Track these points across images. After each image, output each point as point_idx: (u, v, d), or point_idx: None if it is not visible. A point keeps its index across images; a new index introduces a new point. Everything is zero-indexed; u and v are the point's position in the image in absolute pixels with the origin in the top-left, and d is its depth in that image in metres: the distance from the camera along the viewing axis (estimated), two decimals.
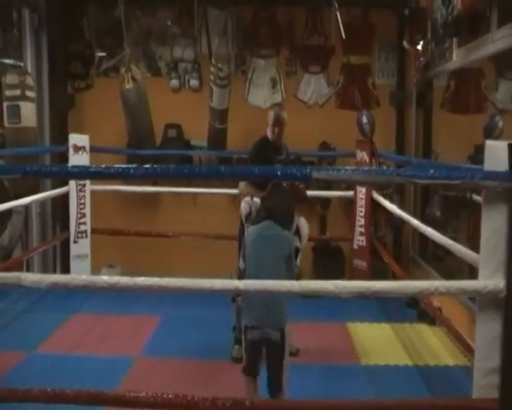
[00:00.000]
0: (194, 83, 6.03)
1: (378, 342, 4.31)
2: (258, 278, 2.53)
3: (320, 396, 2.98)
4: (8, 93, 4.88)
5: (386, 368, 3.82)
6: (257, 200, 2.81)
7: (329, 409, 2.52)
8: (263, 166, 3.03)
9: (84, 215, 5.39)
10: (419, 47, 5.30)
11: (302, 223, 2.88)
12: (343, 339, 4.34)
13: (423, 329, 4.51)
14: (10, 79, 4.89)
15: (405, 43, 5.38)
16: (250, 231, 2.73)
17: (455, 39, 4.49)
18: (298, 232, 2.81)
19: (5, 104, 4.92)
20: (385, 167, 5.52)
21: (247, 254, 2.69)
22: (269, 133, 3.90)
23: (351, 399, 2.95)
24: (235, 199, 5.92)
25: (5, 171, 2.82)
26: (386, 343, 4.28)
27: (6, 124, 4.98)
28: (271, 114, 3.94)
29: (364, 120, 5.39)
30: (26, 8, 5.56)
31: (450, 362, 3.88)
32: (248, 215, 2.84)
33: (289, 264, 2.68)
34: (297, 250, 2.75)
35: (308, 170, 2.27)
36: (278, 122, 3.87)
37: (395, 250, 5.86)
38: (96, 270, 5.40)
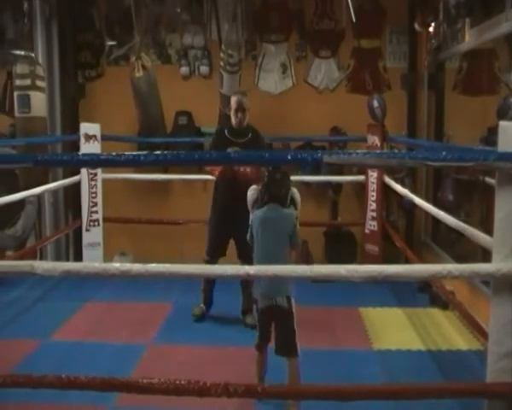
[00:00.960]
0: (204, 69, 6.00)
1: (390, 327, 4.30)
2: (266, 254, 2.87)
3: (332, 381, 2.97)
4: (18, 83, 4.91)
5: (398, 353, 3.80)
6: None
7: (342, 394, 2.52)
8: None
9: (95, 204, 5.42)
10: (430, 29, 5.23)
11: (294, 192, 3.04)
12: (355, 324, 4.34)
13: (436, 313, 4.50)
14: (21, 68, 4.90)
15: (417, 26, 5.30)
16: (257, 214, 2.99)
17: (467, 20, 4.41)
18: (292, 201, 3.03)
19: (15, 94, 4.94)
20: (396, 151, 5.47)
21: (255, 234, 2.98)
22: (232, 119, 4.03)
23: (363, 383, 2.94)
24: None
25: (17, 160, 2.84)
26: (399, 328, 4.27)
27: (16, 114, 5.00)
28: (233, 100, 4.04)
29: (375, 103, 5.34)
30: None
31: (464, 346, 3.86)
32: (255, 201, 3.03)
33: (294, 237, 2.96)
34: (296, 219, 3.00)
35: (319, 154, 2.25)
36: (241, 107, 3.98)
37: (407, 235, 5.83)
38: (108, 258, 5.44)
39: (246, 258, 3.63)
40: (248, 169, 3.83)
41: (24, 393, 2.79)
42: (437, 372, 3.49)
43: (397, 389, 2.60)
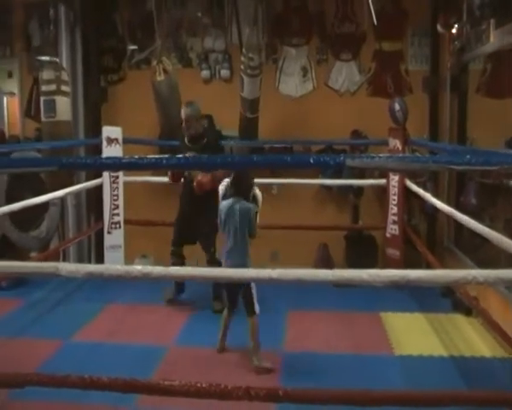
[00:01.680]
0: (225, 73, 6.03)
1: (412, 333, 4.26)
2: (232, 237, 3.62)
3: (353, 386, 2.96)
4: (44, 88, 5.01)
5: (420, 359, 3.76)
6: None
7: (362, 399, 2.50)
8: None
9: (117, 206, 5.47)
10: (454, 30, 5.17)
11: (256, 191, 3.71)
12: (376, 329, 4.31)
13: (459, 319, 4.44)
14: (47, 74, 5.01)
15: (439, 27, 5.25)
16: (224, 204, 3.68)
17: (492, 21, 4.35)
18: (254, 199, 3.69)
19: (42, 99, 5.04)
20: (419, 155, 5.42)
21: (222, 221, 3.67)
22: (185, 129, 4.54)
23: (385, 389, 2.92)
24: (266, 188, 5.94)
25: (42, 163, 2.87)
26: (421, 333, 4.22)
27: (42, 118, 5.10)
28: (181, 113, 4.51)
29: (397, 107, 5.30)
30: (62, 6, 5.67)
31: (487, 353, 3.80)
32: (224, 194, 3.73)
33: (252, 227, 3.64)
34: (256, 213, 3.68)
35: (342, 158, 2.24)
36: (188, 119, 4.44)
37: (429, 239, 5.76)
38: (129, 260, 5.49)
39: (205, 248, 4.51)
40: (205, 179, 4.25)
41: (48, 392, 2.82)
42: (460, 380, 3.43)
43: (419, 396, 2.57)
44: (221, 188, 3.79)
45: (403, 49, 5.98)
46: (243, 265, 3.53)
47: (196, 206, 4.46)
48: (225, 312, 3.84)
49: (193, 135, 4.50)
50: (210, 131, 4.59)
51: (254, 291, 3.62)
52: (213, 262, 4.40)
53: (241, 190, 3.66)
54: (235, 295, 3.71)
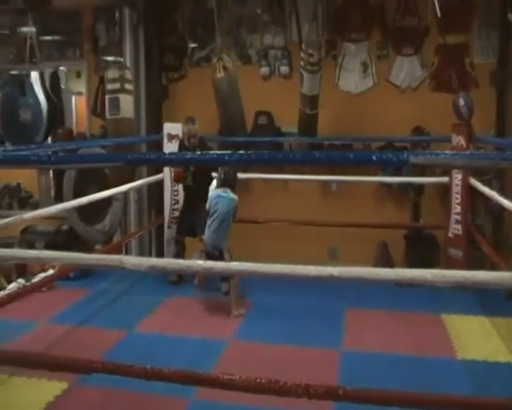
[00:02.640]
0: (284, 70, 6.03)
1: (476, 336, 4.11)
2: (216, 218, 4.49)
3: (413, 389, 2.89)
4: (109, 87, 5.19)
5: (485, 364, 3.63)
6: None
7: (423, 402, 2.45)
8: None
9: (177, 202, 5.58)
10: None
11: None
12: (438, 331, 4.19)
13: None
14: (111, 73, 5.21)
15: (510, 17, 5.02)
16: (213, 192, 4.55)
17: None
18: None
19: (107, 97, 5.23)
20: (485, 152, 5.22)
21: (211, 206, 4.52)
22: (186, 143, 5.08)
23: (446, 393, 2.84)
24: (325, 185, 5.91)
25: (108, 159, 2.98)
26: (485, 337, 4.07)
27: (107, 116, 5.28)
28: (185, 130, 5.10)
29: (461, 102, 5.13)
30: (126, 8, 5.86)
31: None
32: (216, 185, 4.58)
33: (235, 212, 4.54)
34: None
35: (405, 155, 2.19)
36: (191, 136, 5.03)
37: (495, 239, 5.54)
38: (187, 255, 5.58)
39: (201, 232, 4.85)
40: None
41: (112, 380, 2.92)
42: None
43: (484, 403, 2.48)
44: (214, 181, 4.65)
45: (468, 41, 5.76)
46: (217, 245, 4.47)
47: (194, 202, 5.09)
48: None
49: (193, 147, 5.02)
50: (201, 140, 5.12)
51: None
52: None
53: (229, 182, 4.50)
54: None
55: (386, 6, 5.87)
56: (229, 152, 2.29)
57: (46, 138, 5.61)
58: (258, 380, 2.47)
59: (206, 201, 4.66)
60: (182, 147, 5.17)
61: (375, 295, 4.59)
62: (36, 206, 6.48)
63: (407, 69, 5.91)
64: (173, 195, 5.57)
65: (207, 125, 6.02)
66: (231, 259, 4.58)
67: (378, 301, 4.63)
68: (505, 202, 4.20)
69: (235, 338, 4.10)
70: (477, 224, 5.53)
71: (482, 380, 3.41)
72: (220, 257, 4.41)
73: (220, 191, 4.52)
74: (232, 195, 4.52)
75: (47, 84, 5.68)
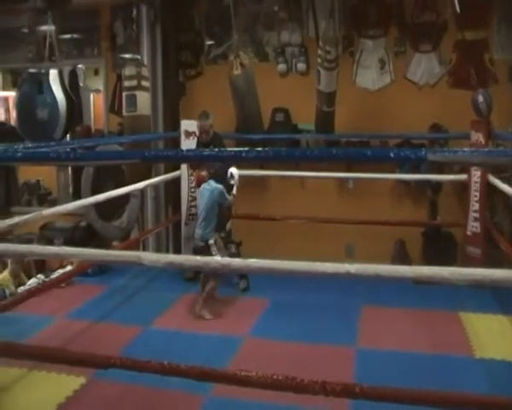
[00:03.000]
0: (301, 66, 6.01)
1: (494, 335, 4.07)
2: (205, 204, 4.57)
3: (431, 387, 2.87)
4: (126, 84, 5.24)
5: (504, 363, 3.59)
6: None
7: (441, 401, 2.42)
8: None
9: (194, 199, 5.57)
10: None
11: (232, 170, 4.68)
12: (456, 329, 4.16)
13: None
14: (129, 70, 5.26)
15: None
16: (205, 185, 4.65)
17: None
18: (232, 175, 4.68)
19: (124, 94, 5.27)
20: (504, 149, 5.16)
21: (199, 197, 4.75)
22: (200, 138, 5.08)
23: (464, 392, 2.81)
24: (342, 182, 5.89)
25: (126, 156, 3.00)
26: (504, 336, 4.03)
27: (124, 113, 5.32)
28: (198, 125, 5.05)
29: (480, 98, 5.07)
30: (143, 6, 5.89)
31: None
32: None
33: (218, 202, 4.57)
34: (231, 187, 4.70)
35: (423, 152, 2.17)
36: (204, 132, 4.96)
37: None
38: None
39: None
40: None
41: (128, 375, 2.93)
42: None
43: (501, 402, 2.45)
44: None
45: (488, 37, 5.69)
46: (204, 238, 4.50)
47: None
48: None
49: (206, 142, 4.96)
50: (215, 136, 5.03)
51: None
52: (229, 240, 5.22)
53: (214, 173, 4.60)
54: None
55: (404, 2, 5.83)
56: (246, 149, 2.30)
57: (65, 136, 5.67)
58: (275, 377, 2.47)
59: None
60: (199, 144, 5.18)
61: (391, 293, 4.57)
62: (55, 203, 6.57)
63: (425, 66, 5.86)
64: (190, 192, 5.58)
65: (224, 123, 6.03)
66: (220, 251, 4.56)
67: (395, 298, 4.61)
68: None
69: (252, 335, 4.11)
70: (495, 221, 5.46)
71: (500, 379, 3.38)
72: (207, 249, 4.43)
73: (204, 185, 4.62)
74: (214, 185, 4.54)
75: (66, 81, 5.73)
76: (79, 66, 6.90)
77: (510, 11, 5.53)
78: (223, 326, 4.25)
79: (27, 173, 6.94)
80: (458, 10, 5.12)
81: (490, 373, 3.46)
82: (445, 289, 4.15)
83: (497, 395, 2.94)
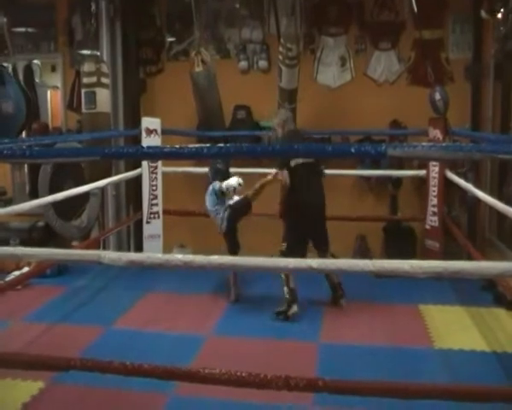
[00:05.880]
0: (262, 64, 6.02)
1: (452, 326, 4.17)
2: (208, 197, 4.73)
3: (391, 378, 2.93)
4: (85, 80, 5.11)
5: (461, 353, 3.69)
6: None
7: (401, 391, 2.47)
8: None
9: (156, 197, 5.53)
10: (499, 16, 5.01)
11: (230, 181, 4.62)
12: (415, 321, 4.25)
13: (500, 313, 4.34)
14: (87, 67, 5.12)
15: (483, 13, 5.09)
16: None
17: None
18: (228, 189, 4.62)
19: (83, 91, 5.14)
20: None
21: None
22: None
23: (423, 382, 2.88)
24: None
25: (85, 153, 2.94)
26: (461, 327, 4.14)
27: (83, 110, 5.20)
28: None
29: (437, 96, 5.19)
30: (102, 0, 5.76)
31: None
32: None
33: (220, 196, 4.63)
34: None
35: (383, 147, 2.20)
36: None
37: (470, 231, 5.63)
38: (167, 250, 5.54)
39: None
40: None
41: (89, 377, 2.88)
42: (503, 375, 3.36)
43: (460, 390, 2.52)
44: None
45: (443, 36, 5.84)
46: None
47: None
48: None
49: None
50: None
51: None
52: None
53: (215, 174, 4.74)
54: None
55: (364, 1, 5.91)
56: (207, 145, 2.28)
57: (20, 133, 5.51)
58: (239, 373, 2.47)
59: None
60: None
61: (353, 287, 4.62)
62: (9, 203, 6.38)
63: (384, 63, 5.96)
64: (152, 190, 5.51)
65: (186, 120, 6.00)
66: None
67: (356, 292, 4.67)
68: (480, 194, 4.27)
69: (214, 333, 4.09)
70: (453, 215, 5.61)
71: (458, 368, 3.47)
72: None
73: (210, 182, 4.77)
74: (211, 187, 4.66)
75: (20, 77, 5.57)
76: (34, 61, 6.71)
77: (465, 11, 5.68)
78: (186, 325, 4.21)
79: None
80: (415, 10, 5.23)
81: (448, 363, 3.55)
82: (406, 282, 4.23)
83: (455, 384, 3.02)
